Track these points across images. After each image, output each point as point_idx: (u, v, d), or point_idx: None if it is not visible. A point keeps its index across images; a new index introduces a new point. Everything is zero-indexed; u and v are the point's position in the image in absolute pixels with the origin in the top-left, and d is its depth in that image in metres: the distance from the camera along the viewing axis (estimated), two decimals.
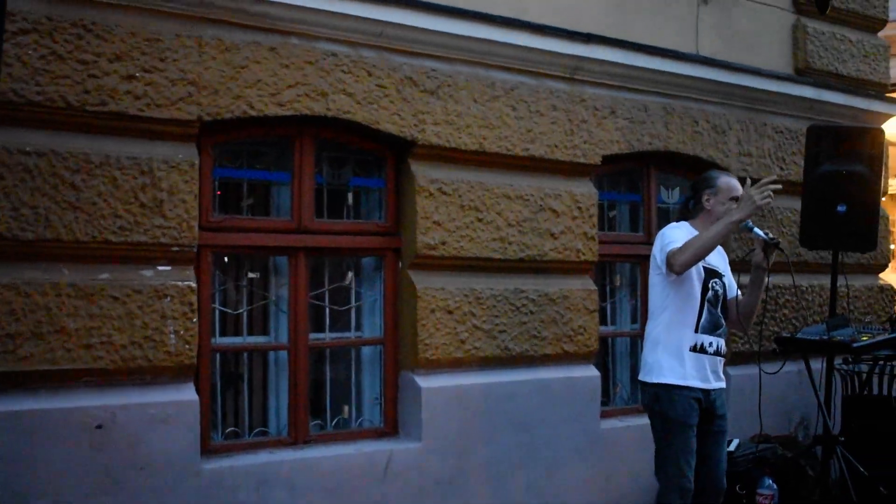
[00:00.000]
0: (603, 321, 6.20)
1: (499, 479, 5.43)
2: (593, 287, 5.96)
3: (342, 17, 4.86)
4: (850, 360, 6.27)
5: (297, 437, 4.97)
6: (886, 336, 5.44)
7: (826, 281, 7.06)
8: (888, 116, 7.57)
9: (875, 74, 7.57)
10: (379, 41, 5.05)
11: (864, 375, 6.37)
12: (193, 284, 4.50)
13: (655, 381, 4.38)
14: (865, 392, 6.41)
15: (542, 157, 5.68)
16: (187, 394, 4.48)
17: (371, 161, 5.39)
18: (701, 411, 4.36)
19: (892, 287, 7.84)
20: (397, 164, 5.35)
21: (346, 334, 5.37)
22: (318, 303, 5.19)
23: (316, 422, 5.15)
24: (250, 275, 5.11)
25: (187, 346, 4.44)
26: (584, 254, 5.86)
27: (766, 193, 4.10)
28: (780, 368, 4.87)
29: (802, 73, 7.07)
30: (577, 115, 5.82)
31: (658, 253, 4.39)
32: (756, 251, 4.37)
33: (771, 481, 5.85)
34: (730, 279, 4.62)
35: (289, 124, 4.95)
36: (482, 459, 5.38)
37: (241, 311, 5.03)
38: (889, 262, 8.03)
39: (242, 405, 5.01)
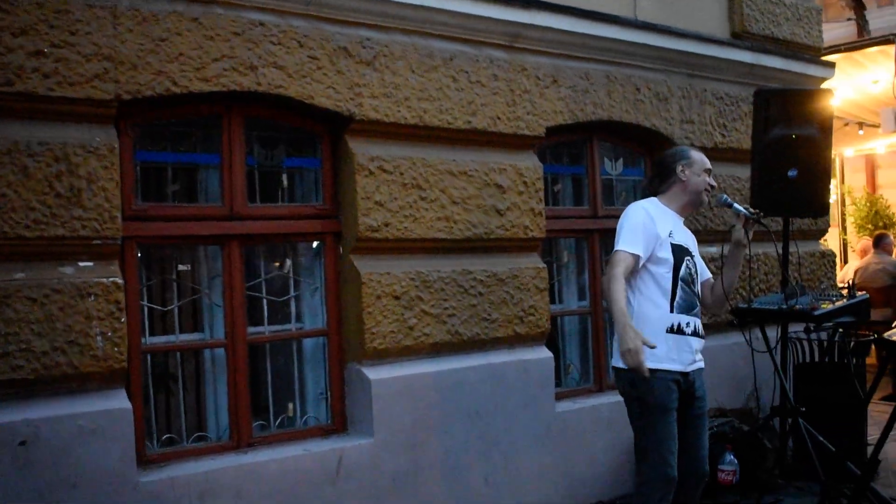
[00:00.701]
0: (552, 300, 5.97)
1: (455, 471, 5.19)
2: (542, 265, 5.75)
3: None
4: (811, 328, 6.17)
5: (239, 441, 4.63)
6: (846, 302, 5.34)
7: (770, 249, 6.99)
8: (822, 80, 7.53)
9: (809, 38, 7.51)
10: (309, 9, 4.73)
11: (824, 343, 6.28)
12: (120, 280, 4.14)
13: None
14: (818, 360, 6.33)
15: (484, 129, 5.43)
16: (119, 401, 4.10)
17: (306, 139, 5.07)
18: (680, 394, 4.18)
19: (832, 252, 7.83)
20: (334, 141, 5.04)
21: (287, 327, 5.04)
22: (254, 294, 4.85)
23: (259, 422, 4.82)
24: (180, 267, 4.74)
25: (116, 349, 4.08)
26: (531, 230, 5.64)
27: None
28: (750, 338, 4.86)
29: (740, 38, 6.95)
30: (519, 84, 5.58)
31: (619, 231, 4.22)
32: (736, 227, 4.26)
33: (732, 456, 5.76)
34: (700, 260, 4.45)
35: (216, 101, 4.60)
36: (437, 452, 5.12)
37: (171, 307, 4.65)
38: (829, 226, 8.01)
39: (179, 410, 4.65)
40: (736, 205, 4.26)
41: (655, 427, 4.10)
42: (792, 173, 5.80)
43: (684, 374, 4.18)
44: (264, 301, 4.89)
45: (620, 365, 4.10)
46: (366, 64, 4.93)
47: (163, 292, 4.66)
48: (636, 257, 4.08)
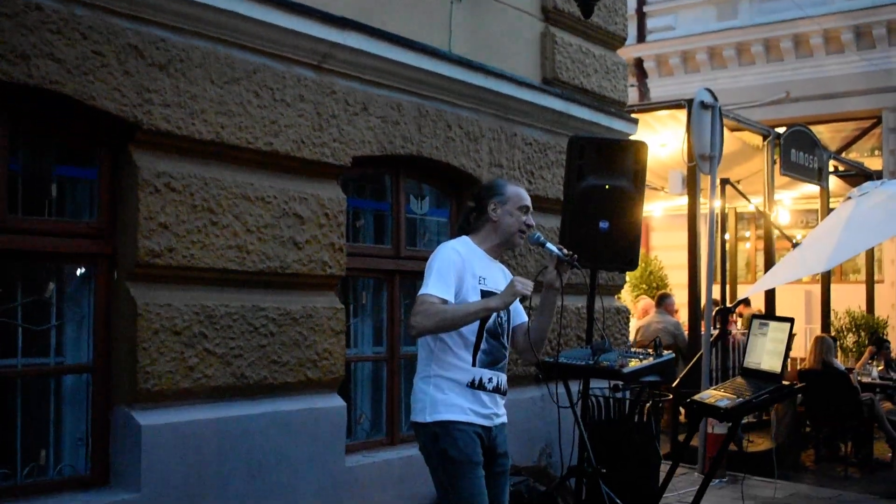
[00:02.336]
0: (349, 344, 5.70)
1: None
2: (340, 305, 5.49)
3: None
4: (619, 386, 6.16)
5: None
6: (654, 361, 5.32)
7: (571, 302, 7.01)
8: (627, 135, 7.66)
9: (615, 92, 7.68)
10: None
11: (626, 402, 6.29)
12: None
13: (430, 419, 3.90)
14: (614, 418, 6.33)
15: (287, 153, 5.13)
16: None
17: (83, 146, 4.58)
18: (483, 450, 3.95)
19: (627, 308, 7.95)
20: (116, 151, 4.57)
21: (45, 360, 4.51)
22: (7, 321, 4.28)
23: (2, 471, 4.21)
24: None
25: None
26: (330, 267, 5.37)
27: (529, 286, 3.82)
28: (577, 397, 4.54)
29: (551, 84, 7.00)
30: (326, 108, 5.33)
31: (427, 272, 3.94)
32: (548, 269, 4.01)
33: None
34: (517, 304, 4.18)
35: None
36: None
37: None
38: (625, 282, 8.14)
39: None
40: (549, 244, 4.01)
41: (463, 484, 3.84)
42: (603, 225, 5.79)
43: (487, 429, 3.96)
44: (19, 329, 4.34)
45: (421, 420, 3.91)
46: (159, 67, 4.52)
47: None
48: (444, 303, 3.83)
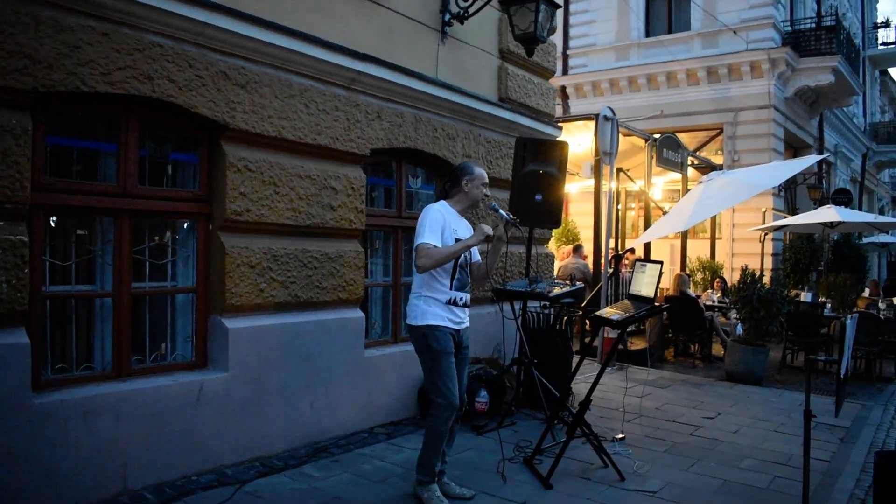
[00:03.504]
0: (366, 275, 5.70)
1: (289, 399, 4.83)
2: (361, 249, 5.47)
3: (167, 14, 3.99)
4: (546, 305, 6.24)
5: (120, 372, 4.07)
6: (570, 289, 5.42)
7: (516, 248, 7.06)
8: (555, 137, 7.63)
9: (548, 108, 7.62)
10: (198, 39, 4.22)
11: (550, 316, 6.36)
12: (25, 238, 3.51)
13: (422, 323, 3.97)
14: (545, 326, 6.42)
15: (326, 146, 5.08)
16: (18, 337, 3.48)
17: (189, 139, 4.49)
18: (454, 345, 4.04)
19: (552, 254, 7.99)
20: (211, 143, 4.52)
21: (164, 283, 4.47)
22: (139, 257, 4.27)
23: (137, 357, 4.25)
24: (79, 232, 4.08)
25: (19, 295, 3.45)
26: (355, 223, 5.35)
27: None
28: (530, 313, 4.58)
29: (504, 101, 6.93)
30: (353, 116, 5.27)
31: (418, 230, 3.97)
32: (498, 227, 4.05)
33: (485, 392, 5.70)
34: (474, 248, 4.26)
35: (116, 102, 3.98)
36: (276, 384, 4.74)
37: (70, 263, 3.99)
38: (552, 236, 8.16)
39: (71, 345, 3.99)
40: (500, 210, 4.07)
41: (440, 366, 3.93)
42: (538, 197, 5.84)
43: (456, 331, 4.05)
44: (147, 263, 4.32)
45: (414, 324, 3.99)
46: (240, 86, 4.47)
47: (64, 251, 3.99)
48: (436, 247, 3.89)
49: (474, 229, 4.05)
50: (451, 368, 3.97)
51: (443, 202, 4.16)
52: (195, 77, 4.21)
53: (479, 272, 4.23)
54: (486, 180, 4.19)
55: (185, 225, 4.55)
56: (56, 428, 3.57)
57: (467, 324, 4.17)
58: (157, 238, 4.41)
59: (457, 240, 3.99)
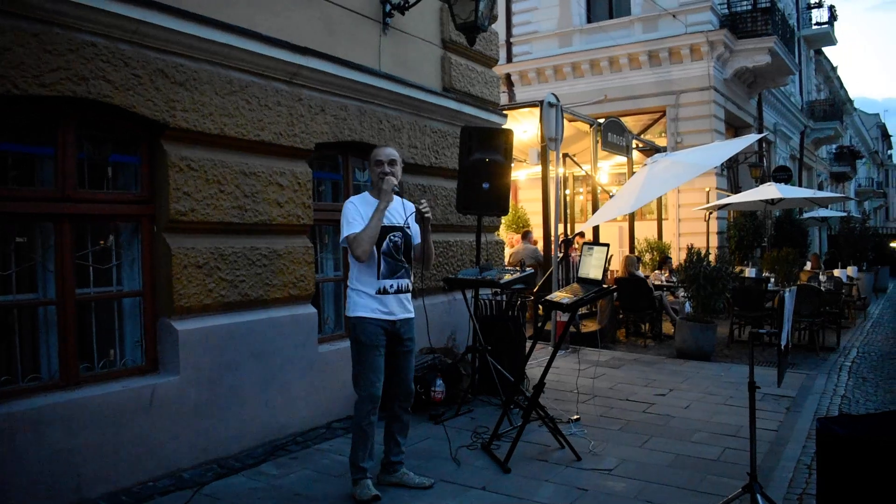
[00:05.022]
0: (317, 270, 5.69)
1: (244, 399, 4.81)
2: (310, 244, 5.46)
3: (99, 13, 3.92)
4: (498, 292, 6.31)
5: (68, 380, 4.00)
6: (521, 275, 5.50)
7: (466, 237, 7.13)
8: (500, 125, 7.72)
9: (492, 96, 7.70)
10: (133, 37, 4.16)
11: (503, 302, 6.44)
12: None
13: (351, 314, 4.01)
14: (497, 313, 6.51)
15: (270, 141, 5.06)
16: None
17: (128, 140, 4.42)
18: (389, 336, 4.03)
19: (502, 240, 8.09)
20: (151, 143, 4.46)
21: (110, 288, 4.41)
22: (82, 262, 4.21)
23: (85, 364, 4.18)
24: (17, 239, 3.98)
25: None
26: (303, 218, 5.35)
27: (389, 181, 3.95)
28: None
29: (448, 91, 6.97)
30: (296, 110, 5.25)
31: (341, 227, 3.99)
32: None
33: (441, 381, 5.77)
34: (415, 228, 4.19)
35: (51, 105, 3.90)
36: (230, 385, 4.72)
37: (10, 272, 3.89)
38: (501, 223, 8.24)
39: (15, 356, 3.91)
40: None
41: (365, 358, 3.95)
42: (485, 185, 5.91)
43: (391, 322, 4.02)
44: (91, 268, 4.26)
45: (347, 314, 4.04)
46: (179, 84, 4.42)
47: (3, 259, 3.89)
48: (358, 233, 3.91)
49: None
50: (377, 362, 3.96)
51: (363, 193, 4.17)
52: (132, 76, 4.15)
53: (418, 255, 4.20)
54: (379, 158, 4.09)
55: (129, 228, 4.48)
56: (4, 441, 3.50)
57: (409, 314, 4.12)
58: (100, 242, 4.34)
59: (382, 227, 3.96)
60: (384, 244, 4.00)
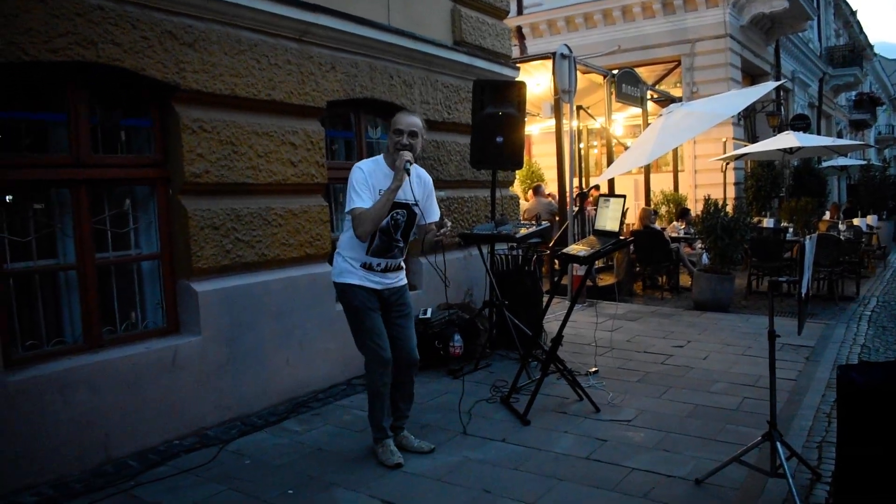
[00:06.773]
0: (332, 229, 5.70)
1: (264, 357, 4.88)
2: (325, 203, 5.47)
3: None
4: (514, 246, 6.30)
5: (91, 343, 4.06)
6: (536, 229, 5.49)
7: (481, 193, 7.10)
8: (512, 78, 7.62)
9: (504, 49, 7.58)
10: None
11: (519, 257, 6.42)
12: None
13: (340, 281, 3.87)
14: (513, 268, 6.50)
15: (282, 101, 5.02)
16: None
17: (139, 103, 4.40)
18: (382, 303, 3.91)
19: (518, 196, 8.05)
20: (162, 106, 4.44)
21: (128, 252, 4.44)
22: (100, 227, 4.22)
23: (108, 328, 4.23)
24: (36, 205, 4.00)
25: None
26: (316, 177, 5.33)
27: (404, 157, 3.70)
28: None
29: (459, 45, 6.87)
30: (306, 69, 5.20)
31: (349, 189, 3.77)
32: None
33: (459, 336, 5.80)
34: (427, 205, 3.95)
35: (61, 70, 3.87)
36: (250, 344, 4.78)
37: (30, 238, 3.92)
38: (516, 178, 8.19)
39: (40, 321, 3.96)
40: (407, 164, 3.72)
41: (363, 322, 3.82)
42: (499, 139, 5.85)
43: (379, 291, 3.87)
44: (108, 233, 4.28)
45: (335, 280, 3.89)
46: (188, 45, 4.38)
47: (23, 226, 3.92)
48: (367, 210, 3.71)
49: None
50: (377, 324, 3.83)
51: (376, 157, 3.93)
52: (140, 38, 4.11)
53: (420, 235, 4.03)
54: (399, 127, 3.81)
55: (145, 191, 4.49)
56: (32, 404, 3.58)
57: (399, 283, 3.96)
58: (117, 206, 4.36)
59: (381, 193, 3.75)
60: (384, 220, 3.79)
